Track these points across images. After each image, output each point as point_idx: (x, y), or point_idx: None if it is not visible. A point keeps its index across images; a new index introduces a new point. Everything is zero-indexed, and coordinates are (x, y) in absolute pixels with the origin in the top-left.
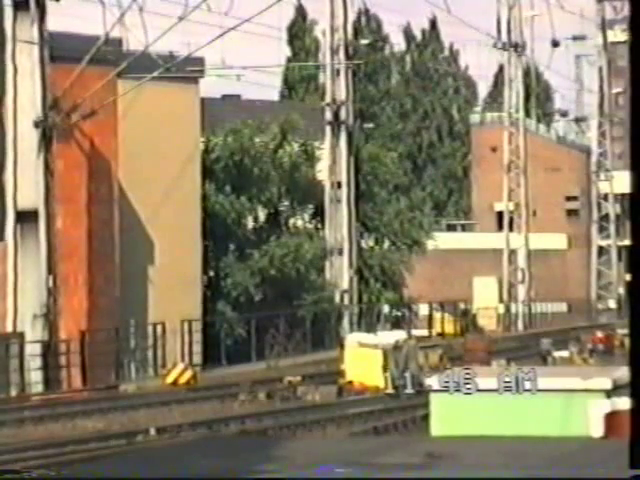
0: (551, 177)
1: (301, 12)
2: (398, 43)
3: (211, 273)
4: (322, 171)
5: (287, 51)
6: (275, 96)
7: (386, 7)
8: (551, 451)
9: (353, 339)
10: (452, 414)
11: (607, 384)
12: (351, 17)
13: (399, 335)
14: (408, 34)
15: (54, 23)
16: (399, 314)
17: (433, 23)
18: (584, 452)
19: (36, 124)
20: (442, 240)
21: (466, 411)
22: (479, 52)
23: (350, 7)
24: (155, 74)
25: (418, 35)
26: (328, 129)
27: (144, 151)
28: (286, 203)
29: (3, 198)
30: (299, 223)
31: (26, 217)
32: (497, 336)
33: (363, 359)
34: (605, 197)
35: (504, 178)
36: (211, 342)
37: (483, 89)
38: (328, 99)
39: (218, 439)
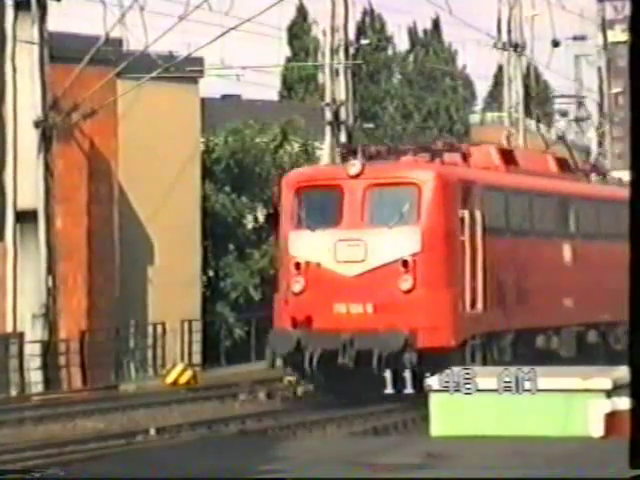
0: None
1: (302, 12)
2: (395, 43)
3: (211, 273)
4: None
5: (287, 51)
6: (275, 96)
7: (391, 7)
8: (551, 451)
9: None
10: (452, 414)
11: (607, 384)
12: (355, 17)
13: None
14: (412, 34)
15: (54, 23)
16: None
17: (436, 23)
18: (584, 452)
19: (36, 124)
20: None
21: (466, 411)
22: (479, 52)
23: (351, 7)
24: (155, 74)
25: (422, 35)
26: (328, 129)
27: (144, 151)
28: None
29: (4, 198)
30: None
31: (26, 217)
32: None
33: None
34: None
35: None
36: (211, 342)
37: (483, 89)
38: (328, 99)
39: (218, 439)
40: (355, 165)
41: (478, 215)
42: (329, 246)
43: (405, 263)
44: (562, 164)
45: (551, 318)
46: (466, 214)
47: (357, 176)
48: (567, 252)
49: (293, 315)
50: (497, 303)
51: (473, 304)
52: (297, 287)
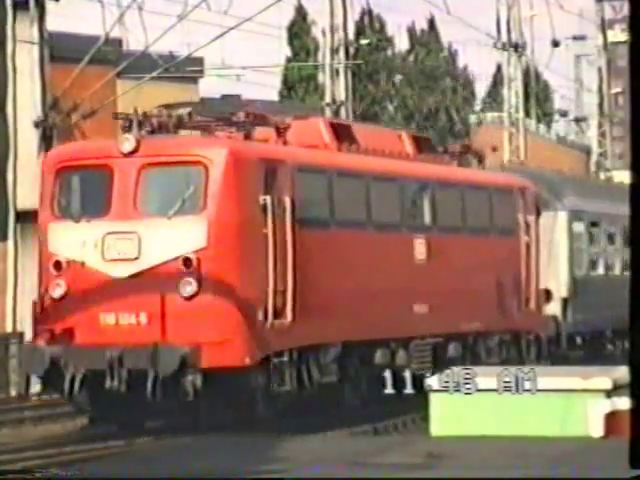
0: None
1: (301, 12)
2: (395, 43)
3: None
4: None
5: (287, 51)
6: (275, 96)
7: (390, 7)
8: (551, 451)
9: None
10: (452, 414)
11: (607, 384)
12: (354, 17)
13: None
14: (412, 34)
15: (54, 23)
16: None
17: (431, 23)
18: (584, 452)
19: (36, 124)
20: None
21: (466, 411)
22: (479, 52)
23: (350, 7)
24: (155, 74)
25: (421, 35)
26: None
27: None
28: None
29: (6, 198)
30: None
31: (26, 217)
32: None
33: None
34: None
35: None
36: None
37: (482, 89)
38: (328, 99)
39: (218, 439)
40: (128, 140)
41: (287, 202)
42: (95, 241)
43: (187, 262)
44: (420, 144)
45: (395, 328)
46: (269, 201)
47: (131, 154)
48: (419, 248)
49: (51, 327)
50: (315, 311)
51: (280, 313)
52: (57, 292)
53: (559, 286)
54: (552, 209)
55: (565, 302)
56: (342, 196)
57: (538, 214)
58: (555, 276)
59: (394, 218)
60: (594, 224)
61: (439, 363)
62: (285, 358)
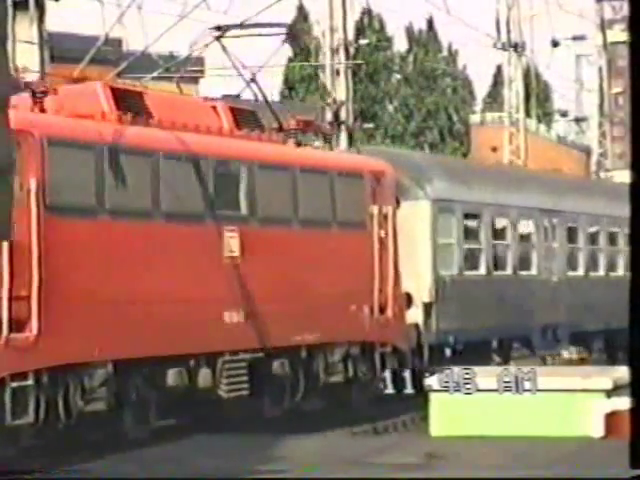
0: None
1: (302, 12)
2: (394, 43)
3: None
4: None
5: (289, 51)
6: (275, 96)
7: (390, 8)
8: (551, 451)
9: None
10: (452, 414)
11: (607, 384)
12: (353, 17)
13: None
14: (411, 34)
15: (54, 24)
16: None
17: (430, 23)
18: (584, 452)
19: None
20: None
21: (466, 411)
22: (478, 52)
23: (350, 7)
24: (155, 74)
25: (420, 35)
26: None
27: None
28: None
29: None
30: None
31: None
32: None
33: None
34: None
35: None
36: None
37: (482, 89)
38: (328, 99)
39: (218, 439)
40: None
41: (33, 184)
42: None
43: None
44: (241, 118)
45: (195, 341)
46: None
47: None
48: (231, 243)
49: None
50: (73, 321)
51: (21, 324)
52: None
53: (420, 289)
54: (412, 198)
55: (428, 308)
56: (117, 178)
57: (398, 204)
58: (416, 277)
59: (195, 206)
60: (471, 216)
61: (259, 383)
62: (29, 382)
